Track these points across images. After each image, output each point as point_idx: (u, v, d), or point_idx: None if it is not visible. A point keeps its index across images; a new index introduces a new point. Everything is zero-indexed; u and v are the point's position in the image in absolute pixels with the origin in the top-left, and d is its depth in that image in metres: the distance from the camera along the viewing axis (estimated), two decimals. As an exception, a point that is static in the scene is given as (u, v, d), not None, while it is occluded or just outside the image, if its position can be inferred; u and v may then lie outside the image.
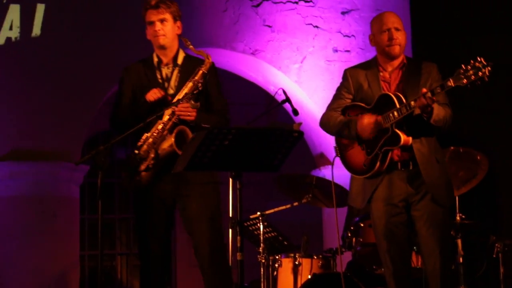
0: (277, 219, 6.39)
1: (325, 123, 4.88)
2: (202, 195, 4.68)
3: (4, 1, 8.04)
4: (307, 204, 6.11)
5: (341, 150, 4.84)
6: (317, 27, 8.74)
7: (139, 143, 4.79)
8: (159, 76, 4.84)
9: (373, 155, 4.62)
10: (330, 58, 8.70)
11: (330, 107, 4.89)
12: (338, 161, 8.47)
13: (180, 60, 4.87)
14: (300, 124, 6.30)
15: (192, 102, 4.70)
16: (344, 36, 8.76)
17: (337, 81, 8.66)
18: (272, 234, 6.21)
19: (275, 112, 9.60)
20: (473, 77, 4.23)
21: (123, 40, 8.33)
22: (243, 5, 8.60)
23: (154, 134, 4.75)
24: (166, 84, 4.82)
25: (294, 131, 4.20)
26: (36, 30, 8.12)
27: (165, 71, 4.86)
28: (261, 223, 5.91)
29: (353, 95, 4.81)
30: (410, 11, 8.79)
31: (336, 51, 8.72)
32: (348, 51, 8.73)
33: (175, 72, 4.85)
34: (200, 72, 4.76)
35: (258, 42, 8.63)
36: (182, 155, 4.41)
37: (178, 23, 4.88)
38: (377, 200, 4.68)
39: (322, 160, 8.71)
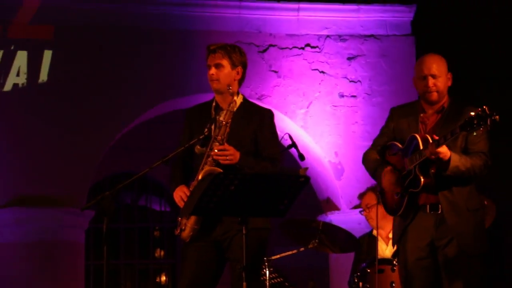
0: (283, 264, 6.34)
1: (364, 161, 4.87)
2: (247, 241, 4.27)
3: (12, 48, 8.10)
4: (313, 249, 6.06)
5: (381, 189, 4.80)
6: (323, 72, 8.78)
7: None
8: (213, 122, 4.69)
9: (400, 196, 4.59)
10: (336, 103, 8.71)
11: (372, 144, 4.87)
12: (344, 205, 8.52)
13: (236, 107, 4.71)
14: (306, 169, 6.29)
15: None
16: (350, 81, 8.79)
17: (343, 126, 8.76)
18: (279, 279, 6.16)
19: (281, 157, 9.59)
20: (475, 126, 4.22)
21: (130, 86, 8.38)
22: (249, 51, 8.62)
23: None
24: (217, 131, 4.64)
25: (300, 176, 4.17)
26: (43, 76, 8.17)
27: (220, 117, 4.68)
28: (267, 269, 5.86)
29: (393, 133, 4.77)
30: (415, 56, 8.82)
31: (342, 96, 8.74)
32: (354, 96, 8.75)
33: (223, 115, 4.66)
34: (226, 112, 4.66)
35: (264, 87, 8.66)
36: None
37: (238, 69, 4.75)
38: (404, 241, 4.63)
39: (328, 205, 8.68)
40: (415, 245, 4.57)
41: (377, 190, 4.94)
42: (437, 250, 4.56)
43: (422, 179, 4.48)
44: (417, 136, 4.54)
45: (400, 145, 4.66)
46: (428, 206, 4.56)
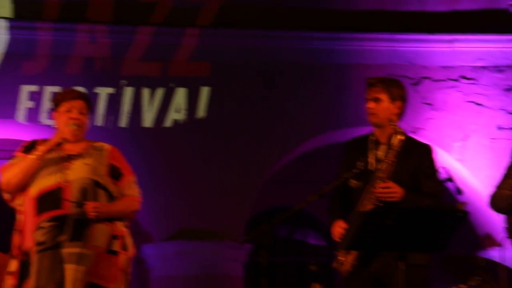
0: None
1: (495, 202, 4.71)
2: (406, 278, 4.21)
3: (172, 85, 8.40)
4: (475, 287, 5.90)
5: None
6: (479, 104, 8.59)
7: None
8: (371, 156, 4.67)
9: None
10: (494, 136, 8.50)
11: (499, 187, 4.71)
12: (507, 242, 8.22)
13: (395, 141, 4.63)
14: (464, 203, 6.14)
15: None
16: (509, 113, 8.55)
17: (503, 159, 8.45)
18: (438, 317, 6.02)
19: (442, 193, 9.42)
20: None
21: (286, 119, 8.48)
22: (402, 84, 8.60)
23: None
24: (379, 168, 4.57)
25: (458, 211, 4.09)
26: (201, 112, 8.41)
27: (379, 151, 4.66)
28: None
29: None
30: None
31: (501, 128, 8.51)
32: (513, 129, 8.52)
33: (386, 153, 4.61)
34: (390, 150, 4.60)
35: (417, 120, 8.56)
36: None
37: (397, 103, 4.64)
38: None
39: (488, 241, 8.43)
40: None
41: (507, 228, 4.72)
42: None
43: None
44: None
45: None
46: None
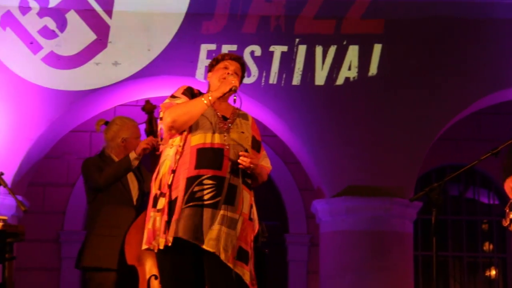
0: None
1: None
2: None
3: (344, 43, 8.42)
4: None
5: None
6: None
7: None
8: None
9: None
10: None
11: None
12: None
13: None
14: None
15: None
16: None
17: None
18: None
19: None
20: None
21: (459, 76, 8.32)
22: None
23: None
24: None
25: None
26: (373, 70, 8.39)
27: None
28: None
29: None
30: None
31: None
32: None
33: None
34: None
35: None
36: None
37: None
38: None
39: None
40: None
41: None
42: None
43: None
44: None
45: None
46: None
